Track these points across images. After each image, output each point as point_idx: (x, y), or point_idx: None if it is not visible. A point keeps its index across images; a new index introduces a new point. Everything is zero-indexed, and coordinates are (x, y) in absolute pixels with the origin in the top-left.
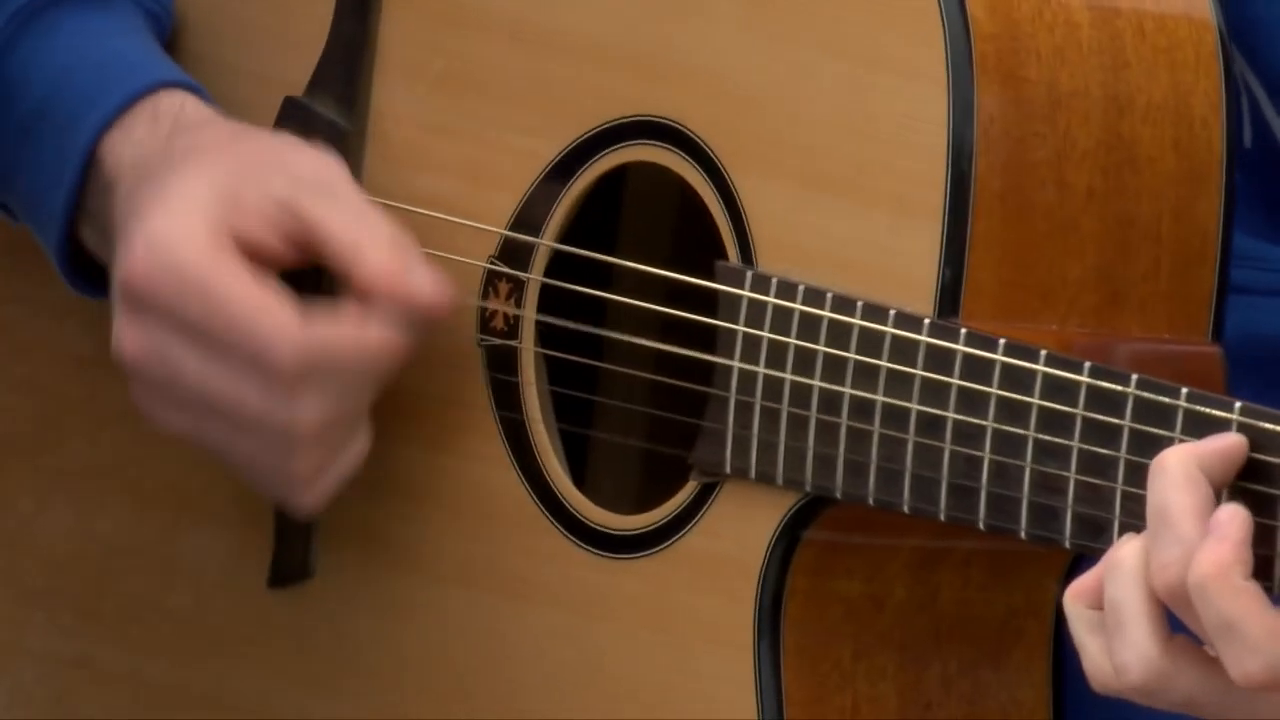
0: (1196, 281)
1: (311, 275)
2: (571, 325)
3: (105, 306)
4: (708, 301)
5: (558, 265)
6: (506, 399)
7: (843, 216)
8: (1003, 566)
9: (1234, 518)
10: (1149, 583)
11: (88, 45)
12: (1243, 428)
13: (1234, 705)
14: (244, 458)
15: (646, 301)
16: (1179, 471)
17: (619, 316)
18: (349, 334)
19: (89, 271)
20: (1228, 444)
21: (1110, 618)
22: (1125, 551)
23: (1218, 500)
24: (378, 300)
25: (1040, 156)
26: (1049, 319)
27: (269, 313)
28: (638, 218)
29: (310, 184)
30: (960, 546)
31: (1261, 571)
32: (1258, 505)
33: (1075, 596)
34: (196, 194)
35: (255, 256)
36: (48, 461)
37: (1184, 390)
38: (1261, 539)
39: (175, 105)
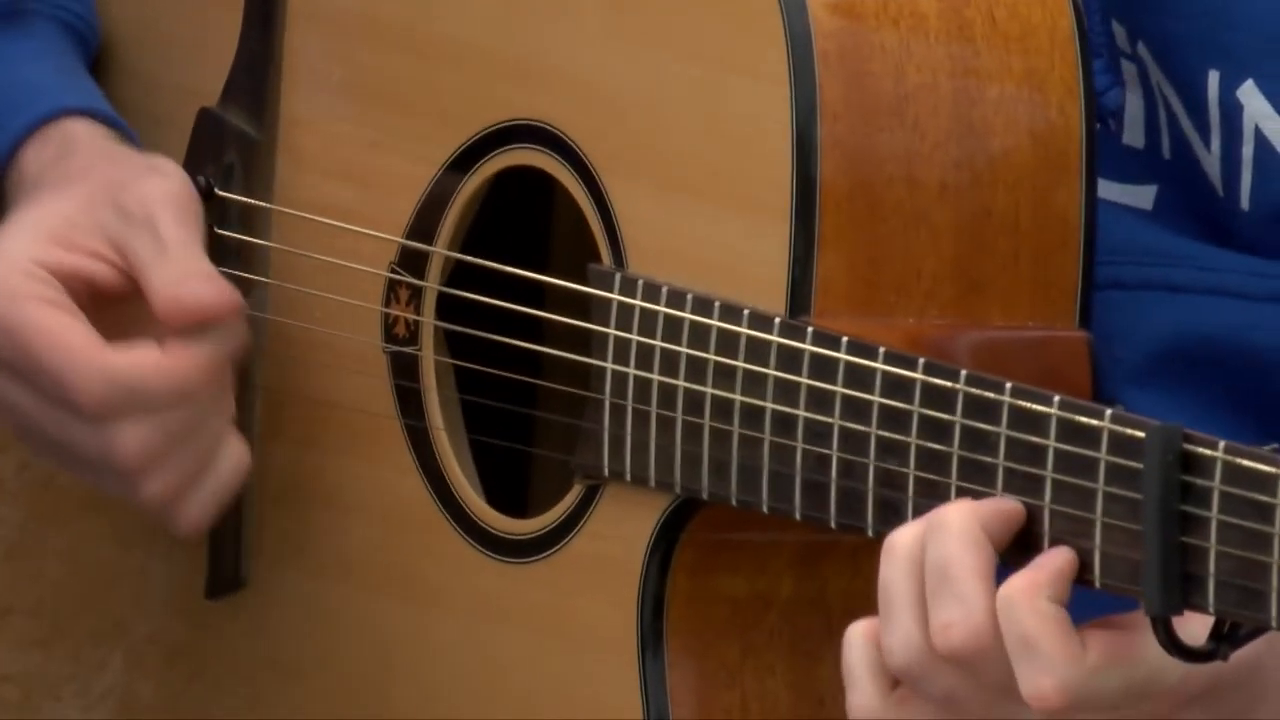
0: (1059, 269)
1: None
2: (461, 330)
3: None
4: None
5: (461, 269)
6: (411, 406)
7: (702, 219)
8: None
9: (1062, 554)
10: (926, 641)
11: None
12: (1060, 421)
13: (990, 704)
14: (102, 486)
15: (550, 308)
16: (964, 532)
17: (523, 321)
18: (143, 357)
19: None
20: (1010, 508)
21: (882, 600)
22: (901, 536)
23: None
24: (167, 320)
25: (888, 152)
26: (905, 313)
27: (64, 346)
28: (559, 223)
29: (132, 215)
30: (846, 539)
31: (1081, 564)
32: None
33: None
34: (26, 231)
35: (83, 285)
36: None
37: (1008, 385)
38: (1081, 532)
39: (64, 135)
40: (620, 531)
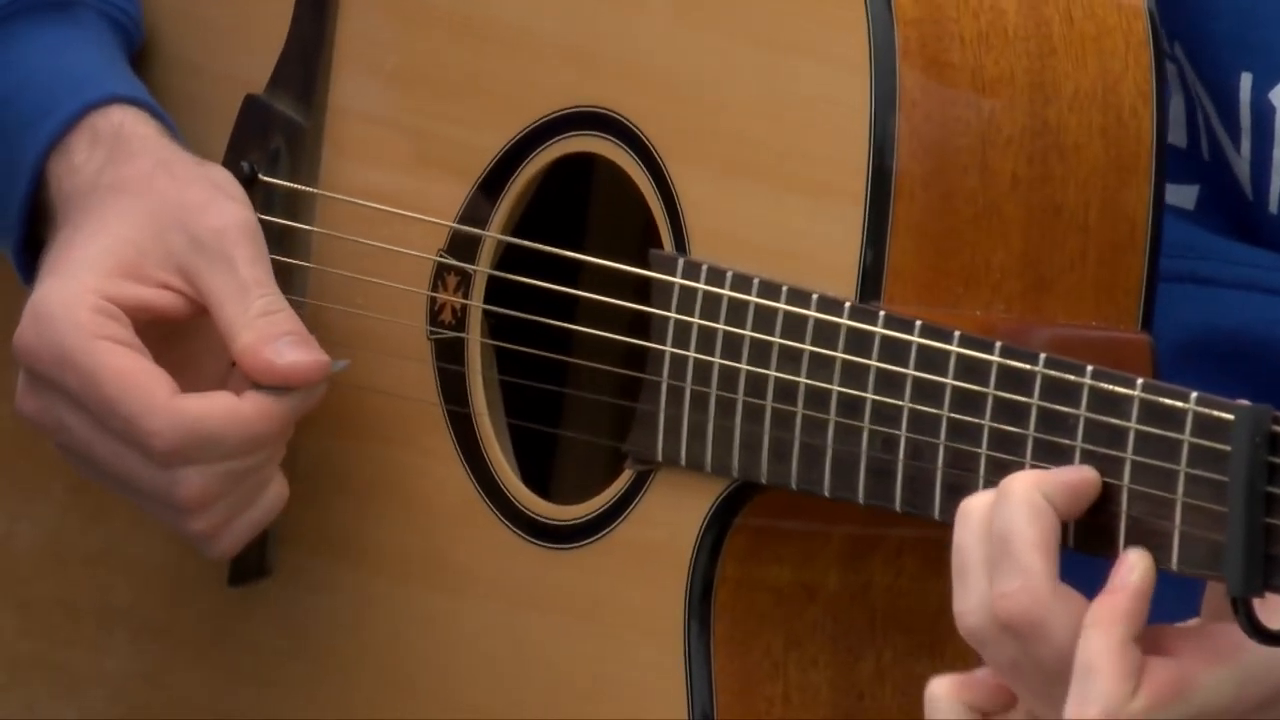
0: (1124, 270)
1: None
2: (511, 313)
3: None
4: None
5: (510, 257)
6: (454, 391)
7: (769, 203)
8: (936, 556)
9: (1142, 580)
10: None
11: (41, 59)
12: (1143, 404)
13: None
14: (147, 509)
15: (597, 292)
16: (1024, 500)
17: (569, 307)
18: (221, 408)
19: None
20: (1077, 478)
21: (955, 559)
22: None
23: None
24: (253, 377)
25: (964, 143)
26: (972, 304)
27: (140, 391)
28: (599, 208)
29: (206, 248)
30: (892, 535)
31: (1160, 545)
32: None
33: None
34: (92, 258)
35: (149, 315)
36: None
37: (1089, 368)
38: (1160, 513)
39: (115, 124)
40: (669, 518)
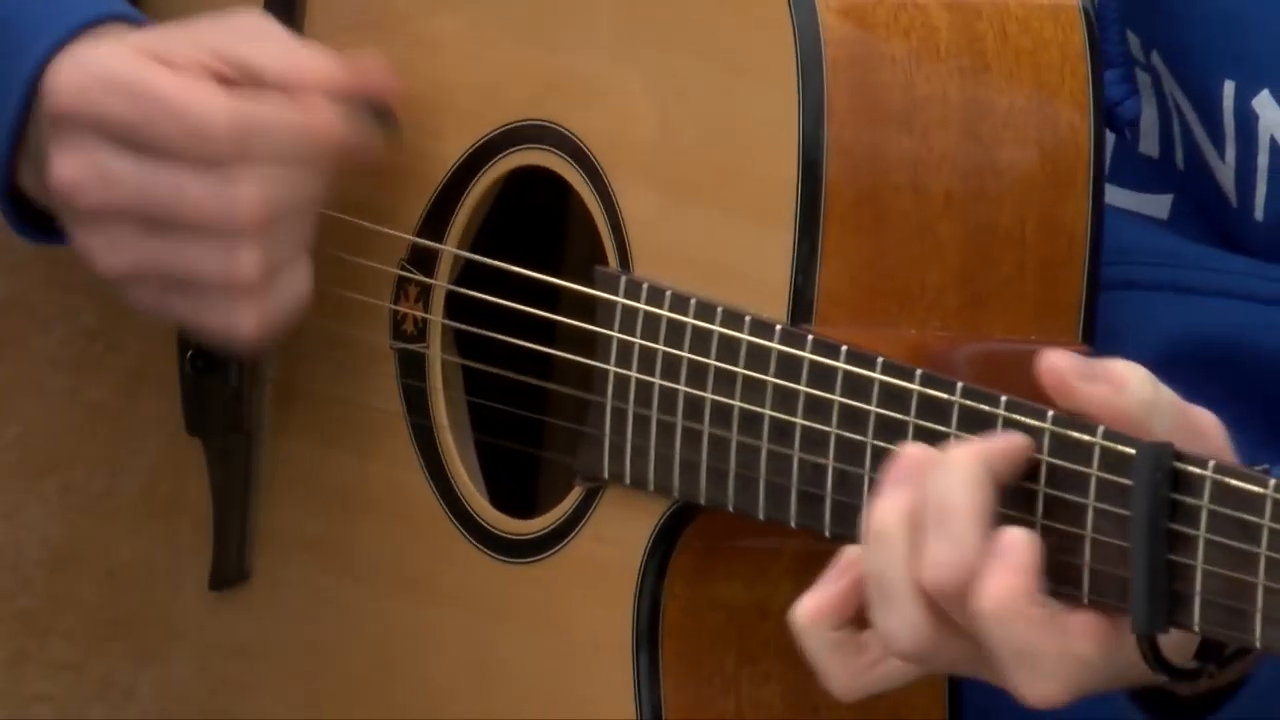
0: (1064, 285)
1: None
2: (468, 329)
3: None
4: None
5: (470, 268)
6: (418, 404)
7: (709, 222)
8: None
9: (1027, 546)
10: (916, 572)
11: None
12: (1054, 436)
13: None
14: (187, 275)
15: (558, 309)
16: (966, 473)
17: (530, 321)
18: (281, 107)
19: (33, 217)
20: (1015, 444)
21: (875, 590)
22: (890, 525)
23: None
24: (314, 88)
25: (895, 160)
26: (908, 323)
27: (197, 90)
28: (562, 223)
29: (242, 31)
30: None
31: (1070, 580)
32: (1067, 515)
33: (813, 620)
34: (124, 40)
35: None
36: None
37: (1003, 399)
38: (1070, 548)
39: (116, 36)
40: (619, 534)
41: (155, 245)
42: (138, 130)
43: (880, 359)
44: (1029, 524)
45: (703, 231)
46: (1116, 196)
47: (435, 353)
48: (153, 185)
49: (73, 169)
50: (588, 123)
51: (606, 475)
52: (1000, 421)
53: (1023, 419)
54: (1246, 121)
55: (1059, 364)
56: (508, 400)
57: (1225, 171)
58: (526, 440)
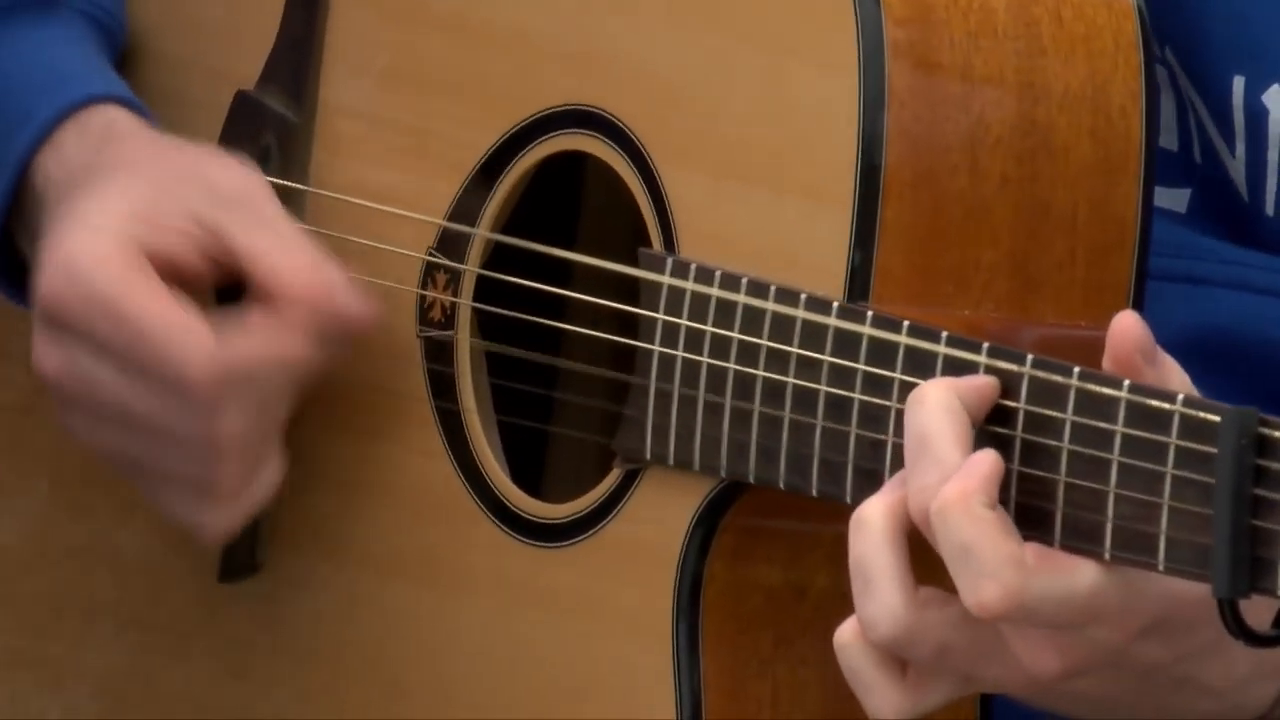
0: (1113, 270)
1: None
2: (500, 312)
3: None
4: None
5: (500, 254)
6: (444, 390)
7: (758, 204)
8: (927, 555)
9: (986, 457)
10: (902, 517)
11: (24, 58)
12: (1130, 405)
13: (983, 647)
14: (166, 473)
15: (586, 292)
16: (940, 402)
17: (559, 305)
18: (262, 346)
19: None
20: (982, 382)
21: (857, 576)
22: (870, 509)
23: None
24: (294, 311)
25: (952, 142)
26: (961, 304)
27: (180, 331)
28: (592, 207)
29: (230, 200)
30: None
31: (1146, 548)
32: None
33: (856, 635)
34: (112, 210)
35: (171, 272)
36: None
37: (1076, 369)
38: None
39: (105, 121)
40: (660, 516)
41: (134, 442)
42: (124, 356)
43: (945, 333)
44: (1101, 494)
45: (752, 214)
46: None
47: (464, 337)
48: (131, 399)
49: (54, 364)
50: (631, 107)
51: (649, 457)
52: (1073, 392)
53: (1098, 388)
54: (1256, 116)
55: (1135, 331)
56: (532, 384)
57: (1236, 167)
58: (549, 424)
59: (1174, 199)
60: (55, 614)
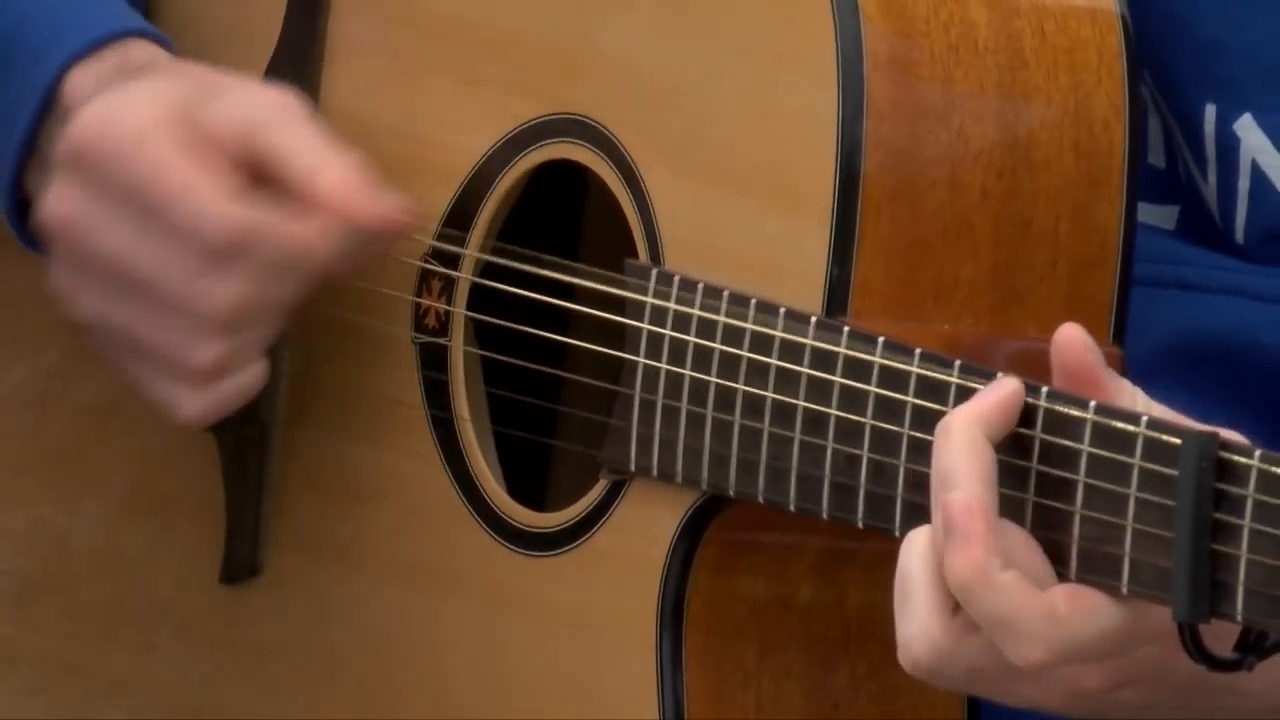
0: (1096, 284)
1: None
2: (493, 320)
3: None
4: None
5: (495, 262)
6: (438, 396)
7: (744, 214)
8: None
9: (968, 510)
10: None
11: None
12: (1095, 426)
13: (1013, 675)
14: (150, 343)
15: (580, 302)
16: (963, 438)
17: (555, 314)
18: (284, 224)
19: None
20: (1005, 393)
21: (899, 590)
22: (919, 531)
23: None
24: (326, 211)
25: (932, 155)
26: (941, 318)
27: (207, 185)
28: (590, 216)
29: (274, 110)
30: (867, 547)
31: (1110, 570)
32: (1108, 505)
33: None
34: (158, 92)
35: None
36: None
37: (1044, 389)
38: (1111, 538)
39: (148, 54)
40: (644, 527)
41: (121, 305)
42: (143, 202)
43: (918, 350)
44: (1068, 514)
45: (736, 224)
46: None
47: (458, 345)
48: (137, 251)
49: (68, 207)
50: (618, 115)
51: (633, 468)
52: (1040, 413)
53: (1064, 409)
54: (1228, 145)
55: (1079, 340)
56: (524, 393)
57: (1210, 192)
58: (544, 433)
59: (1163, 216)
60: (53, 610)
